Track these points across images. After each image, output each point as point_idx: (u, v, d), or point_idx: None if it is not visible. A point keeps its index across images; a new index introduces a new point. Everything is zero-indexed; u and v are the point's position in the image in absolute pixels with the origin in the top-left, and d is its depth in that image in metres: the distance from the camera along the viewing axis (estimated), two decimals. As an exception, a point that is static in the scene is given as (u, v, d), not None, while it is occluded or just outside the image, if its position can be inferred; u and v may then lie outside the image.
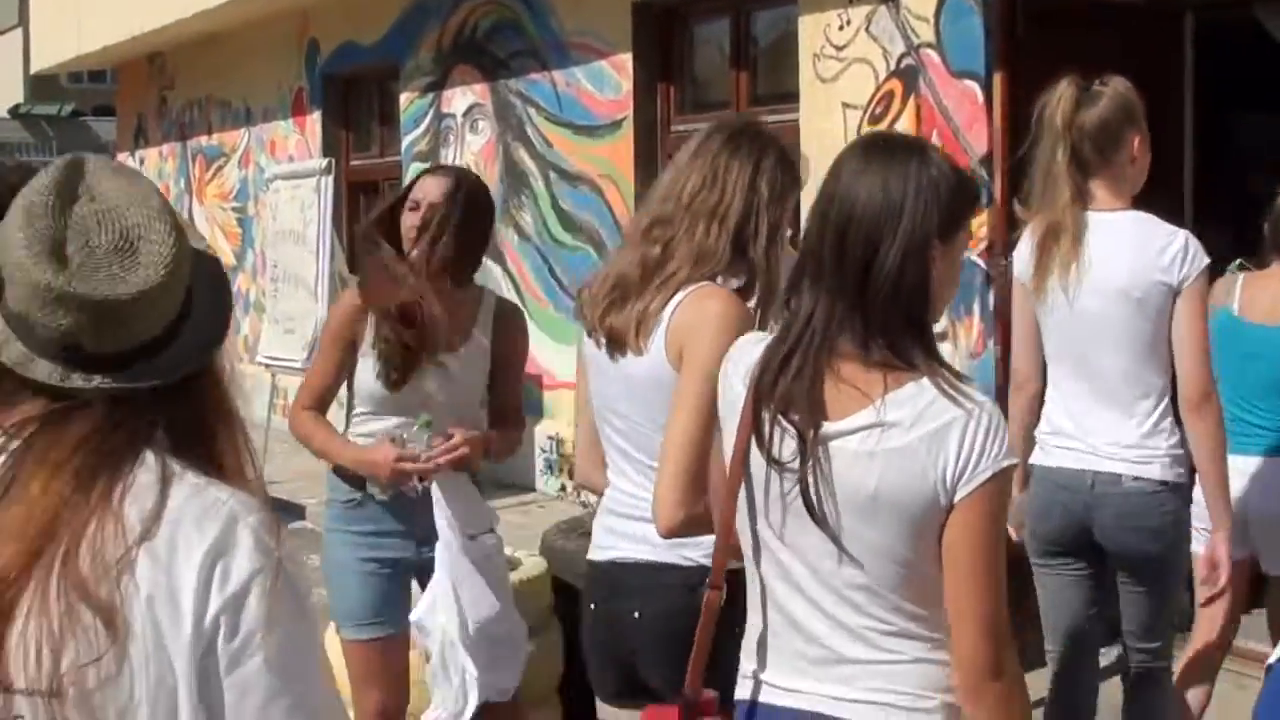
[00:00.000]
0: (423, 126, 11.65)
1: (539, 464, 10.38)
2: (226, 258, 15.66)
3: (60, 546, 1.63)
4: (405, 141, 11.94)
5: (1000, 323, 6.51)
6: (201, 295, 1.82)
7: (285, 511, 7.64)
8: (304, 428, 4.45)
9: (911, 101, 7.54)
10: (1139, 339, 4.14)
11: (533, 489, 10.29)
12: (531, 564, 5.85)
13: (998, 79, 6.32)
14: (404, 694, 4.53)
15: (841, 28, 7.94)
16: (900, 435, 2.39)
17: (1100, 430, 4.20)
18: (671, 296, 3.10)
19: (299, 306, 11.64)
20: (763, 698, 2.59)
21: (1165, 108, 6.91)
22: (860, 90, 7.85)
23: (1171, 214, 4.28)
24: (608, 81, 9.78)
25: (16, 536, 1.64)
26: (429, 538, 4.27)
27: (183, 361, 1.77)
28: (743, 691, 2.65)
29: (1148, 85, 6.71)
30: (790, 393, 2.47)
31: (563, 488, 10.11)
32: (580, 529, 6.29)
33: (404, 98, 11.95)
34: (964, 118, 7.26)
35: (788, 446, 2.47)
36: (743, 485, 2.57)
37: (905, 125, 7.56)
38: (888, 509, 2.41)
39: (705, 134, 3.27)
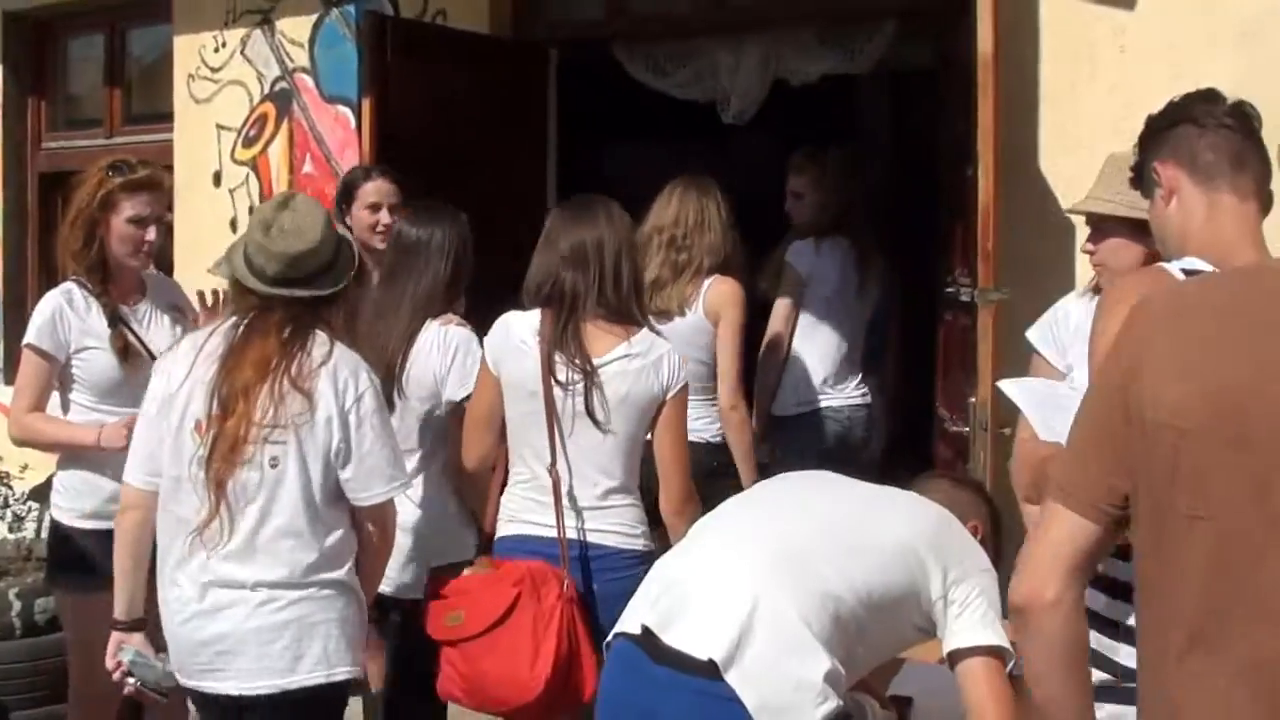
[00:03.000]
0: None
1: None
2: None
3: (281, 366, 3.61)
4: None
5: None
6: (339, 258, 3.77)
7: None
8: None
9: (285, 124, 7.61)
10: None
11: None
12: None
13: (366, 105, 6.45)
14: None
15: (217, 49, 7.93)
16: (639, 361, 4.06)
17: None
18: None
19: None
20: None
21: (532, 136, 7.27)
22: (235, 112, 7.86)
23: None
24: (-26, 95, 9.35)
25: (254, 363, 3.61)
26: None
27: (327, 286, 3.72)
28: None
29: (516, 116, 7.09)
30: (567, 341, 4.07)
31: None
32: None
33: None
34: (336, 142, 7.38)
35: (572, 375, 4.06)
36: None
37: (279, 148, 7.62)
38: (630, 405, 4.06)
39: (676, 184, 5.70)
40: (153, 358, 4.56)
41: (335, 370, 3.66)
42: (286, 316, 3.68)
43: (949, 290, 5.83)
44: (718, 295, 5.53)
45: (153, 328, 4.76)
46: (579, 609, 3.97)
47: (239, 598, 3.65)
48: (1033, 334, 4.16)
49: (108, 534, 4.54)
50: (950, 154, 5.89)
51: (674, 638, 3.18)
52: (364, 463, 3.70)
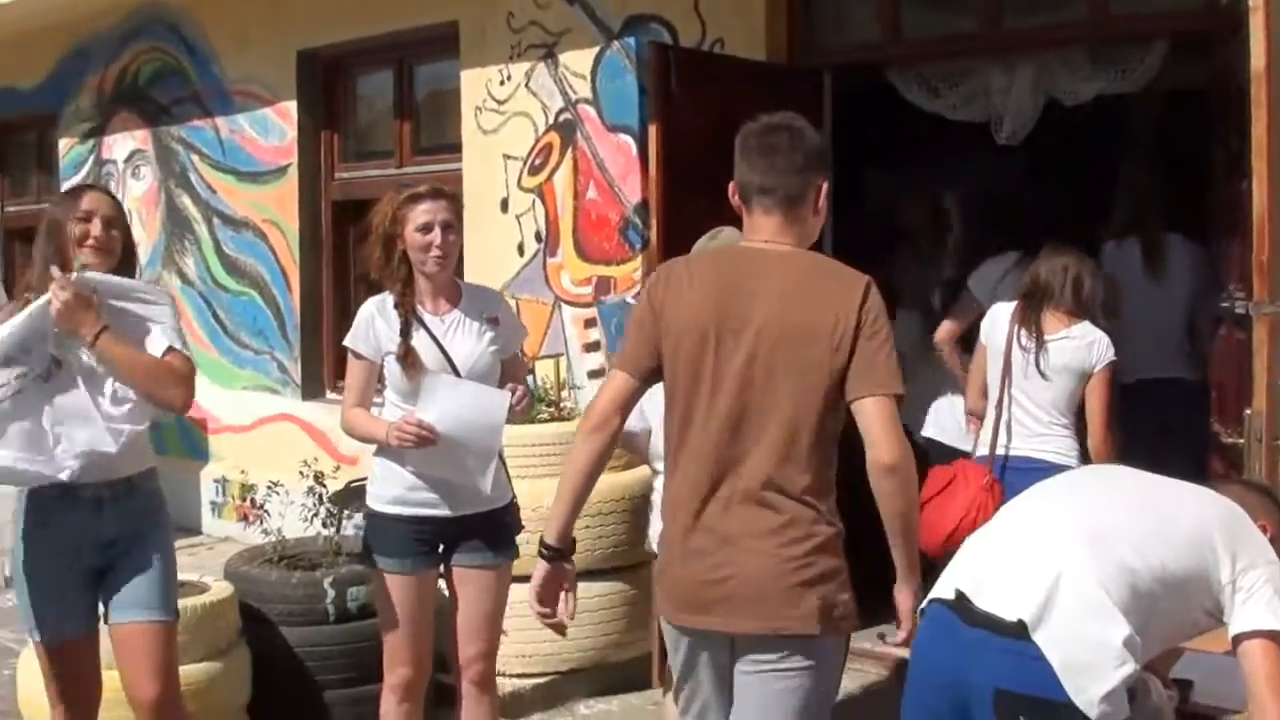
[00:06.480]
0: (83, 172, 11.51)
1: (206, 506, 10.40)
2: None
3: None
4: (64, 187, 11.73)
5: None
6: None
7: None
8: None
9: (570, 154, 7.96)
10: None
11: (199, 531, 10.32)
12: (219, 588, 6.02)
13: (653, 132, 6.70)
14: None
15: (502, 83, 8.34)
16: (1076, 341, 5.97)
17: None
18: None
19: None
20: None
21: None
22: (520, 142, 8.26)
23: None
24: (272, 128, 9.94)
25: None
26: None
27: None
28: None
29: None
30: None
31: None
32: (262, 556, 6.47)
33: (63, 143, 11.83)
34: (619, 169, 7.71)
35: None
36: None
37: (564, 176, 7.97)
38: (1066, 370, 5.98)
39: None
40: (451, 363, 4.94)
41: None
42: None
43: (1224, 305, 5.91)
44: None
45: (459, 334, 5.02)
46: (994, 497, 5.81)
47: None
48: None
49: (408, 519, 4.94)
50: (1222, 171, 5.96)
51: (986, 601, 3.40)
52: None
